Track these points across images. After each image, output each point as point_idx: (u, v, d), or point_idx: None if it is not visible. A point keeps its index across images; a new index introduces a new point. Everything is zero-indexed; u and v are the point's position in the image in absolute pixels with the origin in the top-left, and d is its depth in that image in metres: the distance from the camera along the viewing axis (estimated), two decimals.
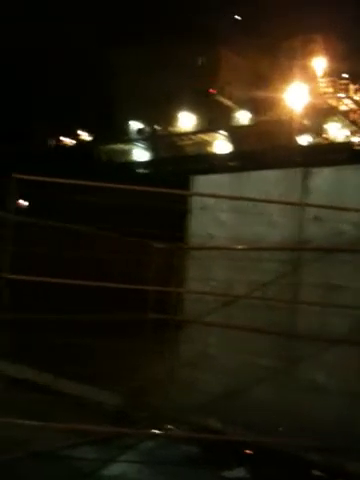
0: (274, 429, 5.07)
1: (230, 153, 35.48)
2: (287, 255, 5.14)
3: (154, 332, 5.44)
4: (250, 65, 38.37)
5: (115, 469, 4.49)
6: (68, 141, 43.48)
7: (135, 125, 41.20)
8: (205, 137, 38.84)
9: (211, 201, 5.56)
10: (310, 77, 38.97)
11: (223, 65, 38.88)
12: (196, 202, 5.67)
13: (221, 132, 38.06)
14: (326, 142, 35.25)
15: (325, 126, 37.27)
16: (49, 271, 5.60)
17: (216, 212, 5.57)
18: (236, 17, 41.99)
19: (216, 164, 28.18)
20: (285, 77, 37.49)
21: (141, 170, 35.68)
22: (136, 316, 5.31)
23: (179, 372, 5.64)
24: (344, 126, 37.73)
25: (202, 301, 5.53)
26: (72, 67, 36.18)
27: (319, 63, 39.71)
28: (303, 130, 35.86)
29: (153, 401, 5.85)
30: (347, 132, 37.71)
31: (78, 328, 5.43)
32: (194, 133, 39.06)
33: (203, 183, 5.74)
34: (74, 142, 43.22)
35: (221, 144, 38.32)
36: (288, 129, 33.70)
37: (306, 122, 36.79)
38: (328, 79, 39.13)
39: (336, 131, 37.33)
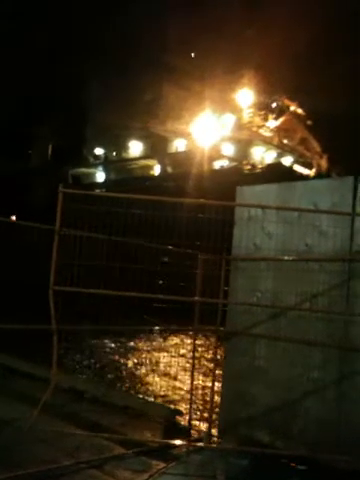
0: (326, 444, 4.92)
1: (159, 175, 40.71)
2: (338, 266, 4.74)
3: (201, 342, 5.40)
4: (191, 98, 41.50)
5: None
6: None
7: (99, 151, 46.46)
8: (147, 162, 43.86)
9: (258, 212, 5.16)
10: (237, 108, 42.95)
11: (166, 100, 42.96)
12: (242, 213, 5.30)
13: (156, 158, 43.18)
14: (224, 168, 39.05)
15: (251, 151, 41.62)
16: (93, 282, 5.69)
17: (262, 223, 5.17)
18: (192, 54, 45.28)
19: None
20: (216, 108, 41.34)
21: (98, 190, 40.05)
22: (182, 327, 5.27)
23: (227, 384, 5.32)
24: (268, 150, 42.02)
25: (249, 312, 5.13)
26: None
27: (246, 95, 43.66)
28: (222, 156, 40.17)
29: (202, 413, 5.82)
30: (274, 154, 42.06)
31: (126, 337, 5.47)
32: (137, 159, 44.66)
33: (249, 194, 5.36)
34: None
35: (159, 168, 43.22)
36: (208, 155, 37.82)
37: (231, 148, 40.96)
38: (251, 110, 43.15)
39: (261, 154, 41.64)
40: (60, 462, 4.37)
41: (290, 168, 39.30)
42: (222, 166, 39.56)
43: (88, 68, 42.42)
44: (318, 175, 39.28)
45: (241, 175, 34.18)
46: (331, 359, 4.79)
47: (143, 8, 43.27)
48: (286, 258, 5.02)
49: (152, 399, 6.00)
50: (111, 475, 4.34)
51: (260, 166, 38.20)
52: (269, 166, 37.34)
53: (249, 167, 37.91)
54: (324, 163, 43.18)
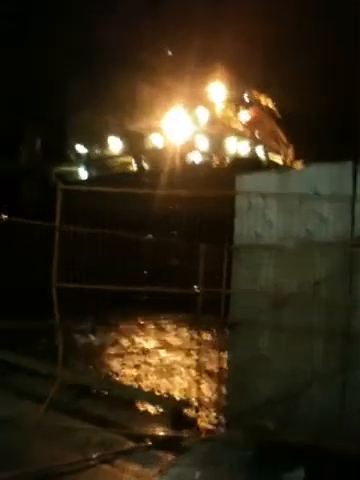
0: (330, 432, 4.81)
1: (136, 172, 41.17)
2: (339, 252, 4.68)
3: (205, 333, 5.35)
4: (163, 94, 41.69)
5: (172, 473, 4.23)
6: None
7: (81, 149, 46.47)
8: (126, 159, 44.27)
9: (258, 200, 5.05)
10: (210, 102, 43.14)
11: (140, 98, 42.94)
12: (242, 202, 5.20)
13: (132, 155, 43.48)
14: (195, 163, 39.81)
15: (226, 142, 42.00)
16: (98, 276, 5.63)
17: (263, 211, 5.06)
18: (169, 53, 44.52)
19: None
20: (188, 103, 41.53)
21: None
22: (186, 317, 5.23)
23: (232, 375, 5.26)
24: (239, 141, 42.59)
25: (251, 302, 5.04)
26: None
27: (218, 90, 43.81)
28: (195, 150, 40.63)
29: (208, 404, 5.79)
30: (247, 146, 42.76)
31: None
32: (116, 156, 45.00)
33: (249, 182, 5.25)
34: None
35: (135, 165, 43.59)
36: (182, 150, 38.64)
37: (206, 142, 41.36)
38: (223, 104, 43.56)
39: (234, 146, 42.05)
40: (70, 458, 4.28)
41: (258, 159, 40.45)
42: (193, 161, 40.17)
43: (66, 69, 42.46)
44: (284, 164, 40.94)
45: (211, 169, 35.65)
46: (334, 347, 4.74)
47: (117, 7, 43.06)
48: (289, 245, 4.95)
49: (158, 392, 5.95)
50: (121, 469, 4.27)
51: (228, 159, 39.01)
52: (237, 158, 38.47)
53: (218, 162, 38.81)
54: (291, 153, 44.40)
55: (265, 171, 5.41)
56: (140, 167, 41.73)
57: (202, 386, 5.65)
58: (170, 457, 4.47)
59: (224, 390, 5.29)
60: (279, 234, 5.08)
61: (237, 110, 44.38)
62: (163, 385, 6.02)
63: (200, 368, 5.26)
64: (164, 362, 6.44)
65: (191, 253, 5.46)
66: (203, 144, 41.79)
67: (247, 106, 46.08)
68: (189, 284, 5.25)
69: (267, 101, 46.71)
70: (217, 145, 41.53)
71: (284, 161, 44.57)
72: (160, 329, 7.17)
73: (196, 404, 5.28)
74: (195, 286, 4.94)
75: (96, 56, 42.36)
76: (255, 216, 5.20)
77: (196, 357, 5.35)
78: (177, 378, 6.07)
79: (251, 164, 33.94)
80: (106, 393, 5.65)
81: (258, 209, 5.16)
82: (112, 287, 5.00)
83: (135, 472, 4.23)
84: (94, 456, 4.40)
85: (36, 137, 42.99)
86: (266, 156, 43.81)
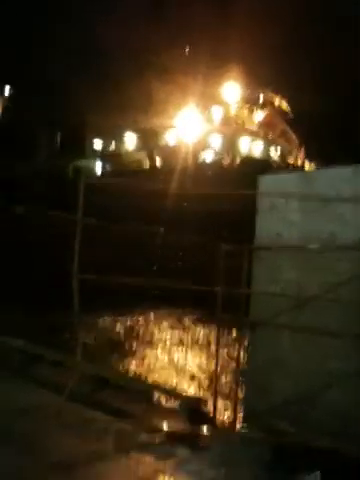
0: (348, 434, 4.88)
1: (149, 168, 42.25)
2: None
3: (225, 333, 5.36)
4: (179, 92, 42.28)
5: (187, 469, 4.23)
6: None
7: (97, 145, 48.07)
8: (140, 155, 45.43)
9: (280, 201, 5.04)
10: (224, 102, 43.97)
11: (156, 96, 43.38)
12: (264, 202, 5.21)
13: (146, 152, 44.79)
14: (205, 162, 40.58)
15: (239, 142, 42.73)
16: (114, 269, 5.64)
17: (285, 212, 5.05)
18: (186, 50, 45.52)
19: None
20: (203, 102, 42.43)
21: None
22: (206, 316, 5.26)
23: (251, 374, 5.27)
24: (254, 141, 43.43)
25: (272, 303, 5.04)
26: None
27: (234, 89, 44.58)
28: (209, 148, 41.61)
29: (226, 401, 5.79)
30: (261, 146, 43.73)
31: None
32: (130, 152, 46.37)
33: (271, 183, 5.26)
34: None
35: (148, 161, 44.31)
36: (196, 148, 39.61)
37: (219, 140, 42.07)
38: (238, 104, 44.42)
39: (248, 146, 42.99)
40: (86, 448, 4.34)
41: (269, 158, 40.86)
42: (203, 160, 40.77)
43: (82, 67, 42.88)
44: (295, 165, 41.25)
45: (221, 168, 36.27)
46: (354, 349, 4.73)
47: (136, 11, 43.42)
48: (310, 247, 4.94)
49: (176, 387, 5.98)
50: (137, 461, 4.28)
51: (240, 158, 39.30)
52: (249, 158, 38.93)
53: (228, 161, 39.30)
54: (302, 154, 44.73)
55: (287, 171, 5.38)
56: (153, 163, 42.15)
57: (220, 383, 5.67)
58: (185, 452, 4.46)
59: (243, 389, 5.29)
60: (300, 235, 5.07)
61: (251, 110, 45.41)
62: (181, 380, 6.04)
63: (219, 365, 5.27)
64: (182, 358, 6.46)
65: (209, 250, 5.45)
66: (217, 142, 42.16)
67: (261, 107, 46.32)
68: (206, 281, 5.25)
69: (280, 102, 46.74)
70: (230, 144, 41.63)
71: (295, 162, 44.68)
72: (177, 325, 7.18)
73: (214, 401, 5.28)
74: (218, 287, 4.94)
75: (114, 55, 42.74)
76: (277, 217, 5.20)
77: (215, 354, 5.35)
78: (195, 374, 6.08)
79: (263, 164, 34.09)
80: (125, 386, 5.67)
81: (280, 210, 5.16)
82: (132, 280, 5.02)
83: (150, 465, 4.23)
84: (110, 447, 4.41)
85: (53, 135, 43.67)
86: (279, 156, 43.90)
